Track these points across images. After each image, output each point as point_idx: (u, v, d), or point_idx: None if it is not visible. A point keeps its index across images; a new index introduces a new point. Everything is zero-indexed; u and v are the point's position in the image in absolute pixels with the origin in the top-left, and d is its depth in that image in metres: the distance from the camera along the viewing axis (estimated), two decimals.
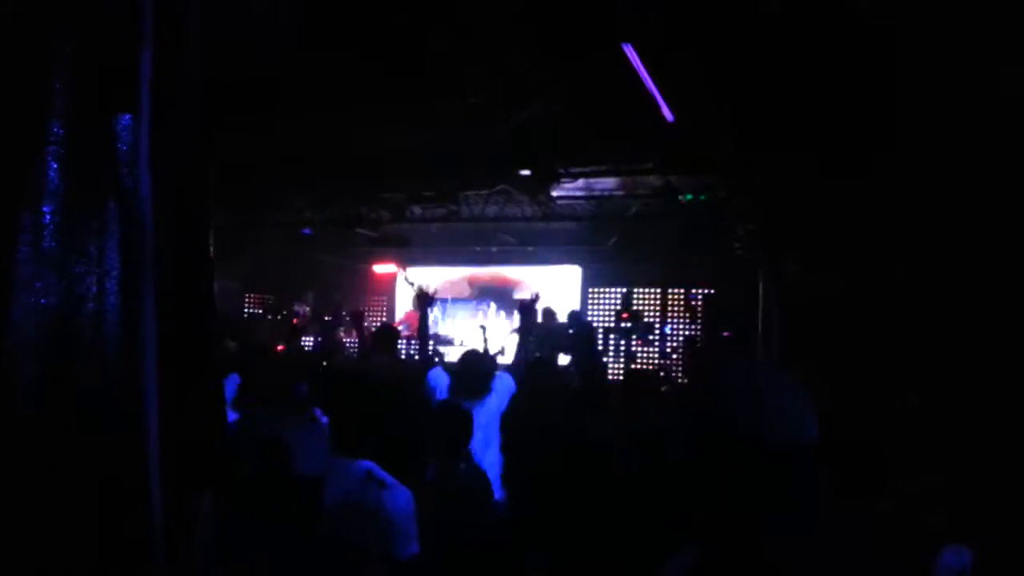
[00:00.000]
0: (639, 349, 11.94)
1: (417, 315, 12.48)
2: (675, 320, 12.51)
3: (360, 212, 11.25)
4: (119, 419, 0.91)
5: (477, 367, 4.66)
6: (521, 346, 5.59)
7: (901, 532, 2.89)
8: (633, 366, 11.22)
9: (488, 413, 4.42)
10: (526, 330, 5.96)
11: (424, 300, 5.86)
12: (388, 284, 14.58)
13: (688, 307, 12.15)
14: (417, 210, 11.08)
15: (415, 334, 11.77)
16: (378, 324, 10.72)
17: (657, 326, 12.19)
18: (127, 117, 0.94)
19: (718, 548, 1.37)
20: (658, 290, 12.54)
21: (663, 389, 5.19)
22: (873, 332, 7.46)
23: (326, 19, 4.99)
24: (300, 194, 10.25)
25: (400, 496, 2.48)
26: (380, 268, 14.21)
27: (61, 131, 0.93)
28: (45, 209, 0.92)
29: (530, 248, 12.94)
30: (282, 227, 11.95)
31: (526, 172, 8.70)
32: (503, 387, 4.58)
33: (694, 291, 11.99)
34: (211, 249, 1.02)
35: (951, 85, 5.17)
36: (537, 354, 6.92)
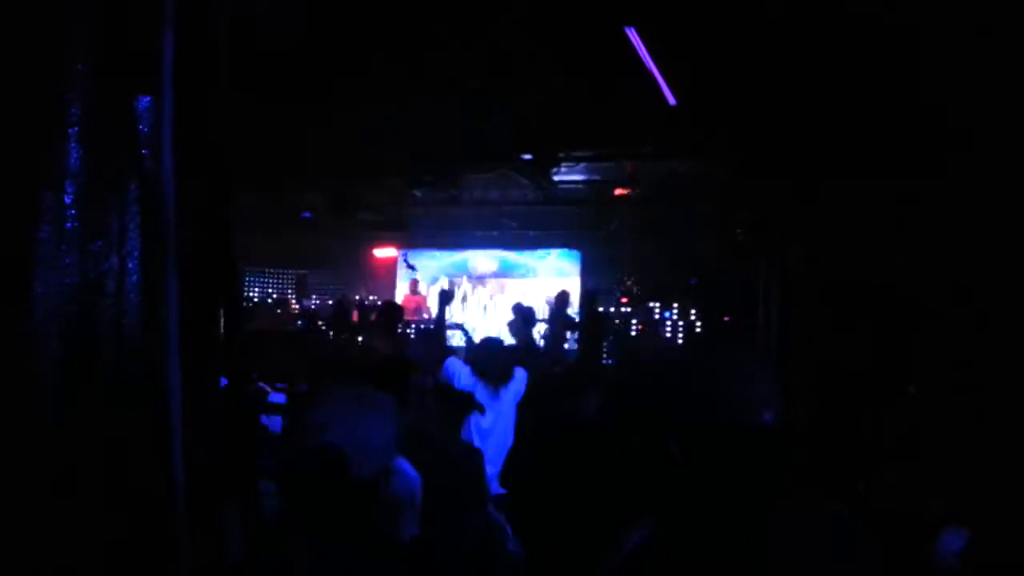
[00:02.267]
0: (639, 334, 11.95)
1: (415, 299, 12.51)
2: (675, 305, 12.51)
3: (361, 196, 11.23)
4: (141, 398, 0.92)
5: (500, 354, 4.76)
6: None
7: (897, 518, 2.92)
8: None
9: (508, 400, 4.51)
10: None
11: (444, 297, 5.89)
12: (389, 268, 14.59)
13: (689, 292, 12.14)
14: (418, 194, 11.06)
15: (412, 317, 11.82)
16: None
17: (657, 311, 12.19)
18: (149, 98, 0.95)
19: (670, 524, 1.41)
20: (659, 275, 12.53)
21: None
22: (873, 321, 7.47)
23: (328, 4, 4.98)
24: (301, 177, 10.23)
25: (411, 480, 2.55)
26: (381, 252, 14.21)
27: (82, 112, 0.93)
28: (66, 190, 0.92)
29: (531, 232, 12.95)
30: (282, 210, 11.94)
31: (527, 156, 8.69)
32: (521, 377, 4.69)
33: (695, 277, 11.98)
34: (234, 229, 1.03)
35: (956, 78, 5.17)
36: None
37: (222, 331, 1.01)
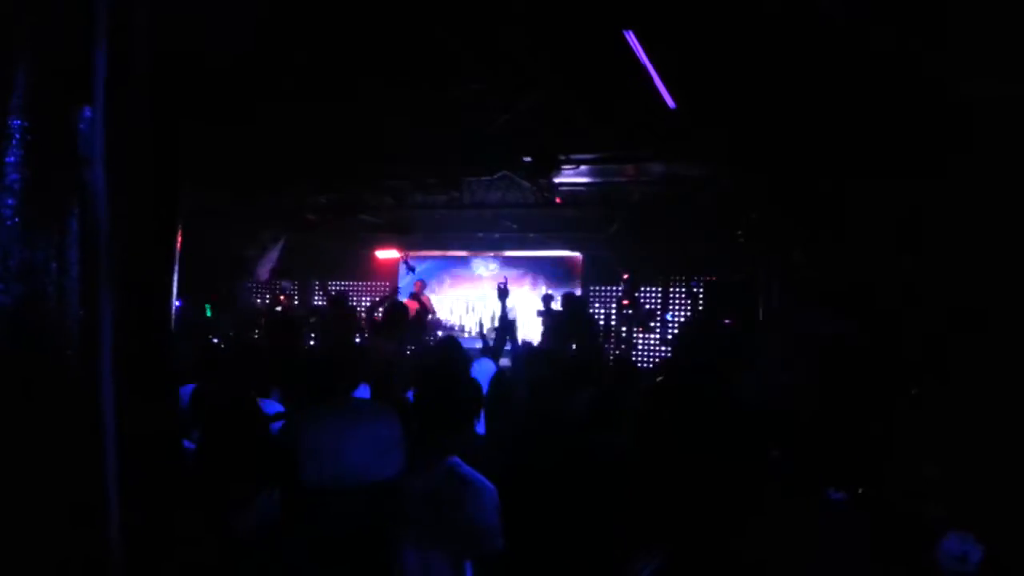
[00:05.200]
0: (640, 336, 11.93)
1: (412, 304, 12.47)
2: (677, 307, 12.50)
3: (362, 198, 11.24)
4: (75, 419, 0.90)
5: (453, 353, 4.89)
6: (500, 333, 5.79)
7: (900, 521, 2.89)
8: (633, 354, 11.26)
9: None
10: (504, 319, 6.09)
11: (503, 294, 5.94)
12: (390, 270, 14.60)
13: (690, 294, 12.13)
14: (419, 196, 11.05)
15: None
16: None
17: (659, 313, 12.17)
18: (87, 111, 0.92)
19: (685, 548, 1.38)
20: (660, 277, 12.51)
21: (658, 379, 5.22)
22: (875, 322, 7.43)
23: (329, 6, 4.97)
24: (302, 180, 10.24)
25: (482, 492, 2.49)
26: (382, 254, 14.22)
27: (19, 125, 0.91)
28: (2, 204, 0.90)
29: (532, 235, 12.94)
30: (284, 213, 11.96)
31: (527, 159, 8.67)
32: (483, 371, 4.69)
33: (696, 278, 11.96)
34: (175, 246, 1.00)
35: (956, 77, 5.14)
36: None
37: (154, 343, 0.99)
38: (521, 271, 14.07)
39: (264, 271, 13.32)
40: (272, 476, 2.31)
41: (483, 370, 4.76)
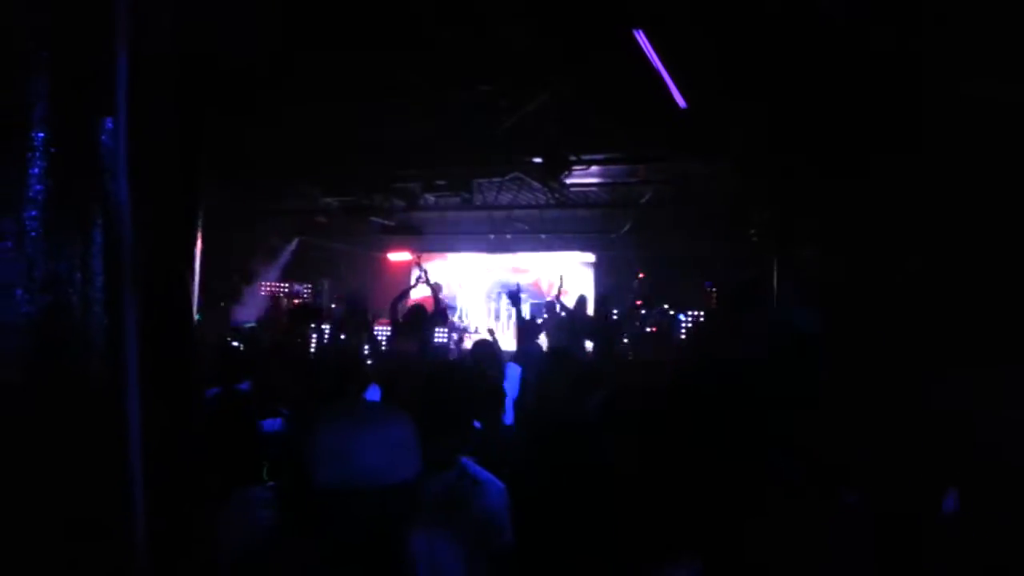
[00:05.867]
0: (653, 336, 11.88)
1: (432, 301, 12.46)
2: (689, 307, 12.44)
3: (374, 200, 11.26)
4: (101, 428, 0.90)
5: (491, 355, 4.98)
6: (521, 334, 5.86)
7: (900, 521, 2.88)
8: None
9: None
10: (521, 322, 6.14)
11: (516, 298, 6.07)
12: (403, 272, 14.62)
13: (703, 293, 12.08)
14: (431, 198, 11.06)
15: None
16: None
17: (671, 313, 12.12)
18: (108, 120, 0.93)
19: (715, 557, 1.37)
20: (672, 277, 12.47)
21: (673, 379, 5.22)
22: (886, 323, 7.39)
23: (337, 7, 4.99)
24: (314, 183, 10.27)
25: (493, 491, 2.52)
26: (395, 256, 14.25)
27: (42, 135, 0.92)
28: (27, 215, 0.91)
29: (543, 236, 12.94)
30: (296, 215, 12.01)
31: (537, 160, 8.66)
32: (513, 375, 4.72)
33: (709, 278, 11.91)
34: (196, 252, 1.01)
35: (963, 78, 5.11)
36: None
37: (179, 351, 0.99)
38: (532, 272, 14.08)
39: (275, 274, 13.37)
40: (250, 473, 2.31)
41: (512, 375, 4.83)
